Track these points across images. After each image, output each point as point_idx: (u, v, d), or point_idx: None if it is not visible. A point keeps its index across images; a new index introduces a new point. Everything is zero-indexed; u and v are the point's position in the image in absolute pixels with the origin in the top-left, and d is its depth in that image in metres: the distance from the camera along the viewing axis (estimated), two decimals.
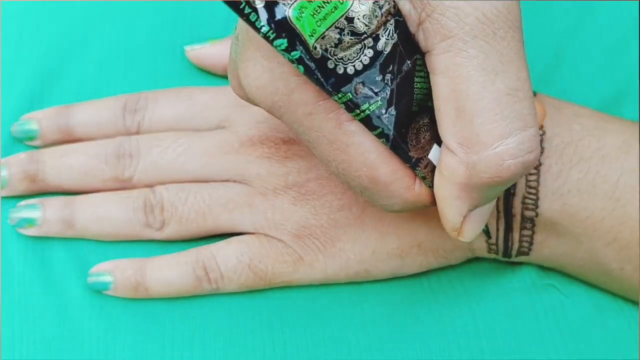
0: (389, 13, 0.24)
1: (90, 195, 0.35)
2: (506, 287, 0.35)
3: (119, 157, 0.34)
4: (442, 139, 0.25)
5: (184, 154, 0.34)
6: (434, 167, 0.27)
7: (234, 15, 0.23)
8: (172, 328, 0.34)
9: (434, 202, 0.27)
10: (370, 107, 0.25)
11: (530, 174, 0.32)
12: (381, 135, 0.25)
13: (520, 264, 0.35)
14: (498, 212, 0.33)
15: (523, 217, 0.33)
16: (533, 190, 0.32)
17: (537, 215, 0.32)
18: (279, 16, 0.22)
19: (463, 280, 0.35)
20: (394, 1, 0.24)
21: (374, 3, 0.23)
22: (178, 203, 0.34)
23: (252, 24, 0.22)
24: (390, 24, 0.24)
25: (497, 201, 0.32)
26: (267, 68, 0.24)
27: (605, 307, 0.35)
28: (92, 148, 0.35)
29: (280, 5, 0.22)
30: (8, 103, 0.37)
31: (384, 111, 0.25)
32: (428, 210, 0.33)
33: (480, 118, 0.24)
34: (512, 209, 0.32)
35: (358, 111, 0.25)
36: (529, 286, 0.35)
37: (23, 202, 0.35)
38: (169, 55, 0.38)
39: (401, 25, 0.24)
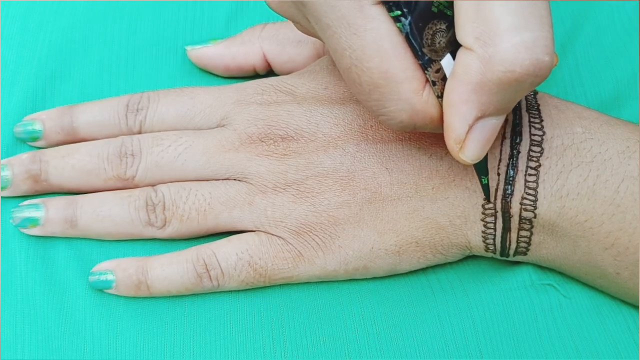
0: None
1: (92, 195, 0.35)
2: (505, 287, 0.35)
3: (121, 156, 0.35)
4: (460, 37, 0.26)
5: (185, 153, 0.34)
6: (444, 77, 0.27)
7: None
8: (173, 327, 0.34)
9: (440, 121, 0.28)
10: None
11: (529, 174, 0.32)
12: (398, 20, 0.26)
13: (519, 263, 0.35)
14: (496, 211, 0.33)
15: (521, 217, 0.33)
16: (532, 191, 0.32)
17: (535, 216, 0.32)
18: None
19: (462, 280, 0.35)
20: None
21: None
22: (179, 201, 0.34)
23: None
24: None
25: (495, 200, 0.33)
26: None
27: (604, 308, 0.35)
28: (94, 148, 0.35)
29: None
30: (10, 104, 0.37)
31: None
32: (425, 208, 0.33)
33: (501, 9, 0.24)
34: (510, 209, 0.32)
35: None
36: (527, 286, 0.35)
37: (26, 202, 0.35)
38: (171, 55, 0.38)
39: None
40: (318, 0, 0.26)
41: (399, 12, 0.26)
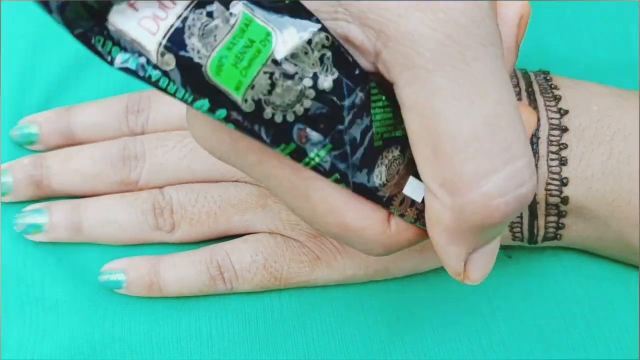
0: (323, 46, 0.21)
1: (97, 199, 0.34)
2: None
3: (124, 159, 0.33)
4: (422, 180, 0.23)
5: (190, 154, 0.33)
6: (412, 202, 0.24)
7: None
8: (188, 318, 0.33)
9: (417, 238, 0.25)
10: (319, 153, 0.22)
11: (551, 159, 0.31)
12: (340, 181, 0.22)
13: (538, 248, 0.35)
14: None
15: (547, 203, 0.32)
16: (556, 176, 0.31)
17: (562, 201, 0.31)
18: (194, 77, 0.19)
19: None
20: (325, 31, 0.21)
21: (299, 38, 0.21)
22: (188, 204, 0.33)
23: (164, 90, 0.19)
24: (327, 58, 0.21)
25: None
26: (210, 120, 0.22)
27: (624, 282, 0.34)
28: (96, 151, 0.34)
29: (195, 61, 0.19)
30: (15, 106, 0.36)
31: (337, 154, 0.22)
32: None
33: (459, 156, 0.21)
34: (536, 196, 0.31)
35: (307, 159, 0.22)
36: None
37: (29, 208, 0.34)
38: None
39: (340, 54, 0.21)
40: (248, 170, 0.23)
41: (336, 176, 0.22)
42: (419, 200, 0.24)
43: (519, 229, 0.33)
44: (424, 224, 0.24)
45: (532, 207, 0.32)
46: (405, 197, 0.24)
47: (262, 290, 0.33)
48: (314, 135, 0.22)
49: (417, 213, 0.24)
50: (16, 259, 0.34)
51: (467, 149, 0.21)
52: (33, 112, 0.36)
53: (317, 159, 0.22)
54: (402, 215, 0.24)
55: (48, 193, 0.34)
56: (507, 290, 0.34)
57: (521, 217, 0.32)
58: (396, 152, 0.23)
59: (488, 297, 0.34)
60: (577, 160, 0.31)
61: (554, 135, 0.31)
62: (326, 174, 0.22)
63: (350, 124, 0.22)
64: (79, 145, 0.35)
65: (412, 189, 0.24)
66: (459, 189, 0.21)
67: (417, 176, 0.24)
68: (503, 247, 0.35)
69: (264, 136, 0.21)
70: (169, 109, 0.34)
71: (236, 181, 0.33)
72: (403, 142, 0.23)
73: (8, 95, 0.36)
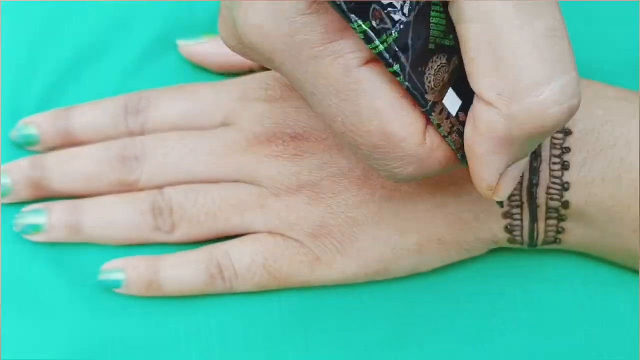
0: None
1: (96, 199, 0.34)
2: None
3: (124, 160, 0.33)
4: (477, 91, 0.24)
5: (190, 155, 0.33)
6: (448, 115, 0.25)
7: None
8: (186, 325, 0.33)
9: (447, 162, 0.26)
10: (387, 40, 0.22)
11: (554, 163, 0.31)
12: (397, 74, 0.23)
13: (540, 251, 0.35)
14: (522, 202, 0.32)
15: (548, 207, 0.31)
16: (557, 180, 0.31)
17: (562, 205, 0.31)
18: None
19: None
20: None
21: None
22: (187, 205, 0.33)
23: None
24: None
25: (520, 191, 0.31)
26: (271, 8, 0.22)
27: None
28: (96, 152, 0.34)
29: None
30: (14, 107, 0.36)
31: (401, 45, 0.23)
32: (447, 204, 0.32)
33: (520, 63, 0.22)
34: (537, 199, 0.31)
35: (376, 43, 0.22)
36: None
37: (28, 208, 0.34)
38: (170, 51, 0.37)
39: None
40: (298, 68, 0.23)
41: (397, 66, 0.23)
42: (453, 113, 0.25)
43: (519, 232, 0.32)
44: (453, 140, 0.26)
45: (533, 209, 0.32)
46: (443, 108, 0.25)
47: (262, 290, 0.33)
48: (386, 19, 0.22)
49: (449, 127, 0.25)
50: (15, 259, 0.34)
51: (529, 56, 0.22)
52: (32, 112, 0.35)
53: (384, 45, 0.22)
54: (438, 126, 0.25)
55: (48, 194, 0.34)
56: (508, 292, 0.34)
57: (521, 220, 0.32)
58: (443, 60, 0.24)
59: (489, 298, 0.34)
60: (578, 166, 0.31)
61: (556, 138, 0.31)
62: (388, 63, 0.23)
63: (415, 19, 0.23)
64: (78, 146, 0.35)
65: (450, 101, 0.25)
66: (516, 95, 0.23)
67: (454, 89, 0.25)
68: (502, 250, 0.35)
69: (344, 6, 0.21)
70: (167, 108, 0.34)
71: (236, 181, 0.33)
72: (450, 52, 0.24)
73: (6, 95, 0.36)
